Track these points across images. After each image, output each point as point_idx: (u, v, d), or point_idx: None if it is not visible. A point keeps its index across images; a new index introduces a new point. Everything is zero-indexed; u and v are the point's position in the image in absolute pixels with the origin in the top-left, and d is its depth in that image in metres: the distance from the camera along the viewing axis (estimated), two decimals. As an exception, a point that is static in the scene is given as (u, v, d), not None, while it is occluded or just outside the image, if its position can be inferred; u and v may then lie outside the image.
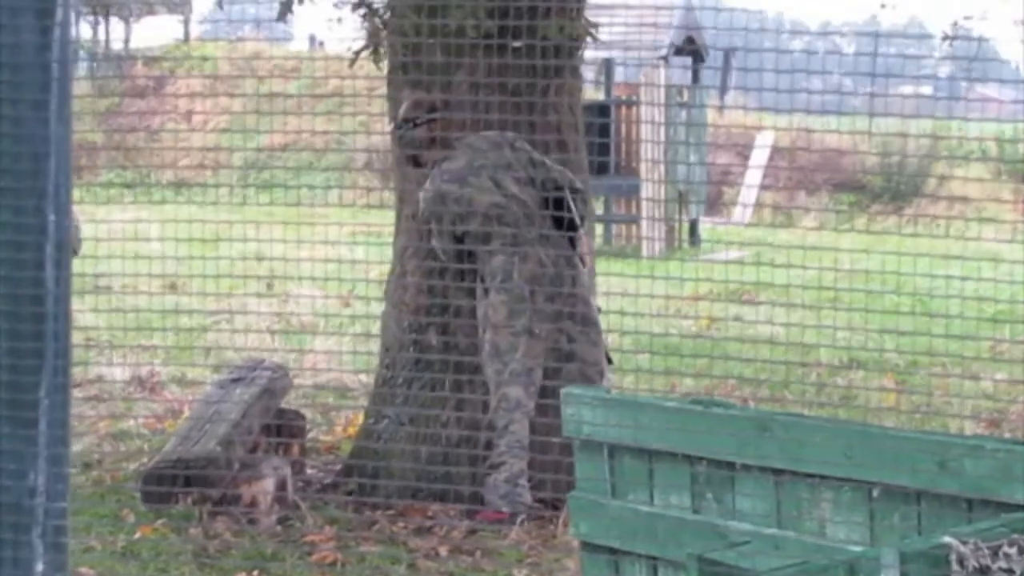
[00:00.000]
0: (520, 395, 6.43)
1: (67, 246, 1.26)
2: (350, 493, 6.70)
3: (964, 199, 17.44)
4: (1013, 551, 2.49)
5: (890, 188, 18.73)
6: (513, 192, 6.53)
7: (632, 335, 10.08)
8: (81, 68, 21.78)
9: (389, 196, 7.83)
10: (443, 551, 6.03)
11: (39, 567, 1.29)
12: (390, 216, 7.20)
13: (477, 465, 6.55)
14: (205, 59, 21.01)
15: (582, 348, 6.53)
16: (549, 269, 6.50)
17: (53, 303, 1.30)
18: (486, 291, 6.48)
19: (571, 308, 6.53)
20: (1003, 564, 2.48)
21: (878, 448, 3.05)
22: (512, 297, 6.44)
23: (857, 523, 3.08)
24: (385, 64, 7.00)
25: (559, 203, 6.63)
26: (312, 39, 28.12)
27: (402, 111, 6.67)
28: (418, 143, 6.62)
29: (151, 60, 21.26)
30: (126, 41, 24.11)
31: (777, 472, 3.19)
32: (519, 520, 6.36)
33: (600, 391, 3.54)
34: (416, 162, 6.69)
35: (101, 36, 24.13)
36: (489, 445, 6.47)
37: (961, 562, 2.47)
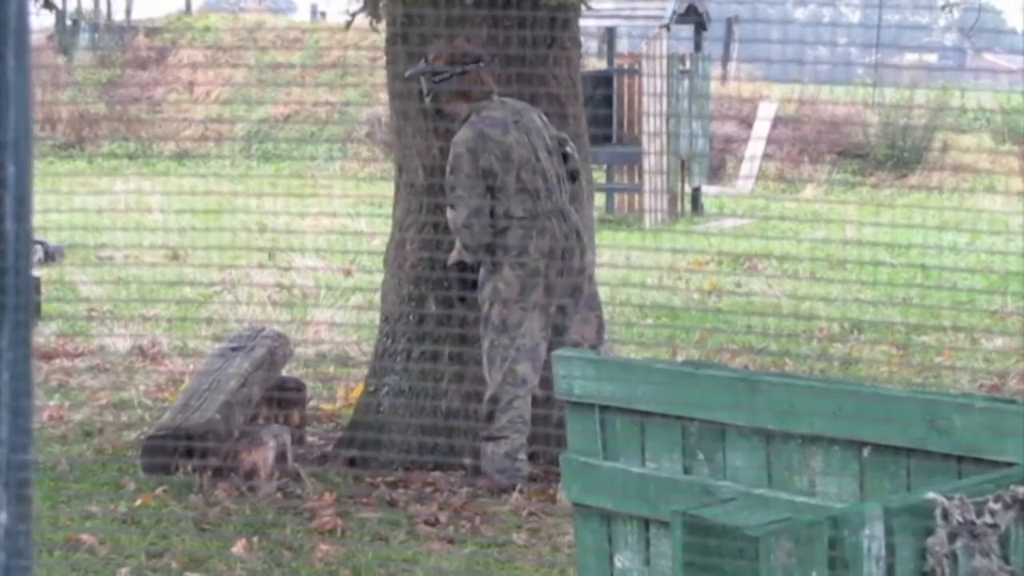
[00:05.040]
0: (528, 372, 6.42)
1: (28, 199, 1.26)
2: (350, 462, 6.71)
3: (968, 168, 17.41)
4: (998, 506, 2.49)
5: (893, 156, 18.68)
6: (542, 158, 6.50)
7: (633, 305, 10.12)
8: (83, 39, 21.76)
9: (391, 167, 7.82)
10: (443, 517, 6.05)
11: (3, 516, 1.29)
12: (391, 186, 7.19)
13: (476, 435, 6.55)
14: (207, 30, 20.97)
15: (574, 324, 6.51)
16: (561, 243, 6.48)
17: (14, 256, 1.29)
18: (494, 265, 6.43)
19: (576, 282, 6.52)
20: (988, 519, 2.48)
21: (868, 407, 3.05)
22: (526, 272, 6.41)
23: (847, 482, 3.08)
24: (382, 26, 6.99)
25: (565, 159, 6.62)
26: (314, 9, 28.08)
27: (433, 61, 6.48)
28: (453, 93, 6.46)
29: (152, 31, 21.21)
30: (128, 12, 24.07)
31: (768, 432, 3.20)
32: (518, 487, 6.38)
33: (591, 353, 3.54)
34: (440, 112, 6.56)
35: (103, 7, 24.09)
36: (489, 416, 6.46)
37: (946, 517, 2.48)
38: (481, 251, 6.40)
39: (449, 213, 6.42)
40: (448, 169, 6.39)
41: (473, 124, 6.41)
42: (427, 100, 6.54)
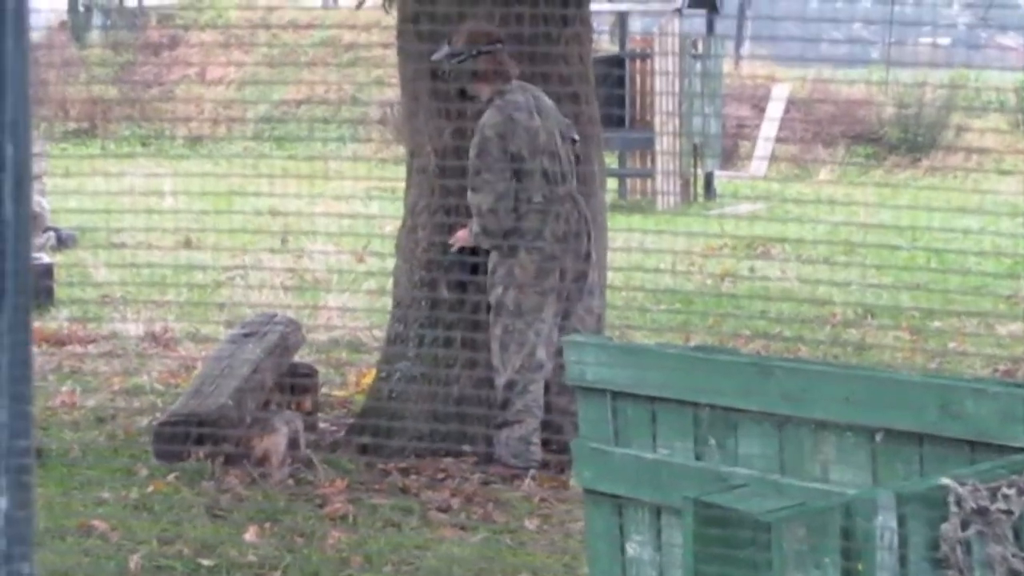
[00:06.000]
0: (544, 357, 6.41)
1: (27, 181, 1.25)
2: (362, 448, 6.70)
3: (982, 150, 17.34)
4: (1012, 492, 2.47)
5: (907, 140, 18.62)
6: (558, 143, 6.49)
7: (646, 290, 10.09)
8: (95, 25, 21.76)
9: (403, 151, 7.80)
10: (455, 503, 6.04)
11: (3, 503, 1.28)
12: (404, 171, 7.17)
13: (488, 421, 6.54)
14: (220, 16, 20.95)
15: (576, 313, 6.50)
16: (573, 224, 6.47)
17: (13, 239, 1.28)
18: (510, 249, 6.41)
19: (582, 268, 6.51)
20: (1002, 505, 2.47)
21: (880, 392, 3.03)
22: (543, 256, 6.39)
23: (860, 468, 3.06)
24: (394, 11, 6.97)
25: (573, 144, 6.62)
26: (327, -5, 28.04)
27: (459, 41, 6.45)
28: (478, 73, 6.42)
29: (165, 17, 21.21)
30: (140, -2, 24.07)
31: (780, 418, 3.18)
32: (530, 474, 6.36)
33: (602, 339, 3.52)
34: (464, 93, 6.53)
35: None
36: (504, 403, 6.45)
37: (959, 503, 2.46)
38: (500, 236, 6.38)
39: (472, 197, 6.38)
40: (475, 152, 6.36)
41: (500, 108, 6.37)
42: (450, 82, 6.52)
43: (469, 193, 6.40)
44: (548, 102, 6.54)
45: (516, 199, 6.38)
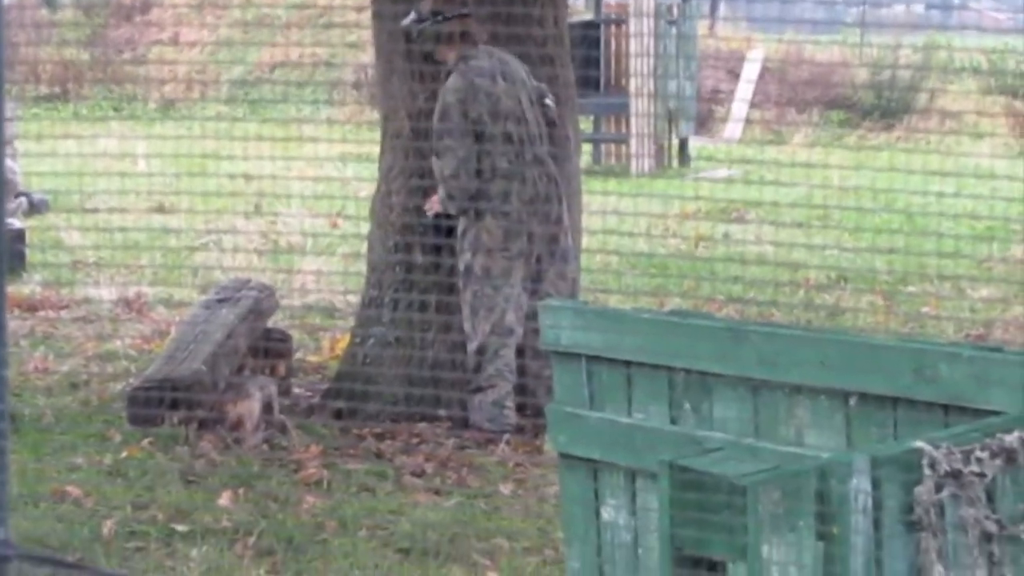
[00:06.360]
0: (513, 321, 6.43)
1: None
2: (336, 413, 6.70)
3: (956, 113, 17.37)
4: (985, 455, 2.49)
5: (880, 105, 18.62)
6: (525, 107, 6.49)
7: (620, 255, 10.09)
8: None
9: (377, 116, 7.77)
10: (429, 468, 6.05)
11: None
12: (378, 135, 7.14)
13: (463, 385, 6.55)
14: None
15: (548, 277, 6.50)
16: (542, 189, 6.47)
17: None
18: (476, 214, 6.43)
19: (553, 231, 6.51)
20: (975, 468, 2.48)
21: (854, 356, 3.04)
22: (509, 221, 6.41)
23: (834, 431, 3.07)
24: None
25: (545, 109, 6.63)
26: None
27: (426, 5, 6.49)
28: (443, 37, 6.45)
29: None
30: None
31: (754, 382, 3.19)
32: (505, 438, 6.38)
33: (578, 303, 3.53)
34: (431, 58, 6.54)
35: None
36: (477, 367, 6.47)
37: (933, 466, 2.47)
38: (466, 201, 6.40)
39: (435, 162, 6.41)
40: (437, 117, 6.39)
41: (463, 73, 6.39)
42: (420, 46, 6.53)
43: (433, 159, 6.42)
44: (516, 66, 6.53)
45: (480, 164, 6.39)
